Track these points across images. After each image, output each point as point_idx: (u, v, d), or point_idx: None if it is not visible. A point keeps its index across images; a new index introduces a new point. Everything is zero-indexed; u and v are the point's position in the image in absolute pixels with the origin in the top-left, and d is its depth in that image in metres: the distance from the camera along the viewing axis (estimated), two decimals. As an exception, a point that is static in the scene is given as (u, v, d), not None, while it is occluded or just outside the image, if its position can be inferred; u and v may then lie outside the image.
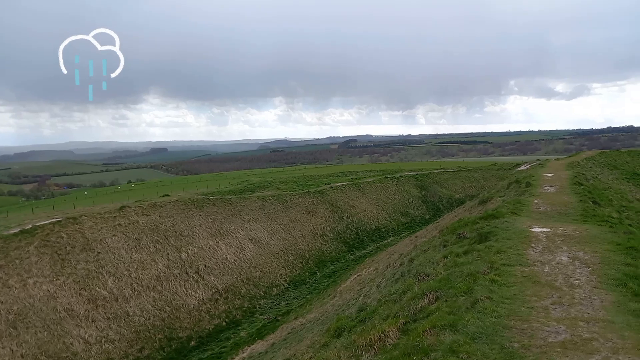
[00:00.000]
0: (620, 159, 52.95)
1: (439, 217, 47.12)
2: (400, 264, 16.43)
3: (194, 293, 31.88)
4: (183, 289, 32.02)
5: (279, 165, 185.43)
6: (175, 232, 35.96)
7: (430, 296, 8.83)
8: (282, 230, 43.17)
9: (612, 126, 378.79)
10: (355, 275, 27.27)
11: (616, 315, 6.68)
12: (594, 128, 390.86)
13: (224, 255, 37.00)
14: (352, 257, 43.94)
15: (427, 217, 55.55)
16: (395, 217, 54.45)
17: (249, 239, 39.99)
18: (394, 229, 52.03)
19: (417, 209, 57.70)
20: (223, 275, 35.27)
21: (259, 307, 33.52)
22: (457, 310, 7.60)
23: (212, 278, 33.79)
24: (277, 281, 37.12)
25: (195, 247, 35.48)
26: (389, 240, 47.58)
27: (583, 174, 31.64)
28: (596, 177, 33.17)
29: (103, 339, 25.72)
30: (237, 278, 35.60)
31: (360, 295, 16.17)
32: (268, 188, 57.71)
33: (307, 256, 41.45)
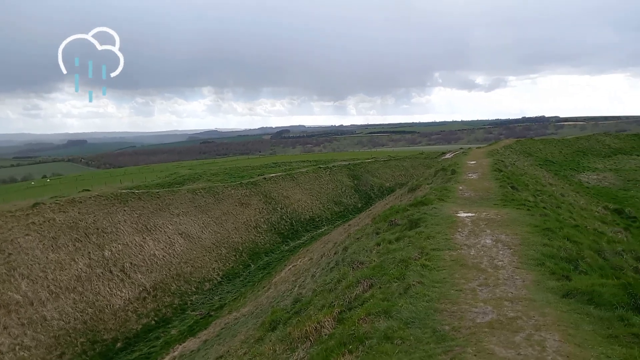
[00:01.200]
0: (534, 146, 57.18)
1: (371, 205, 48.29)
2: (335, 253, 16.51)
3: (119, 292, 30.15)
4: (107, 288, 30.17)
5: (209, 157, 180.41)
6: (97, 229, 33.73)
7: (365, 284, 8.86)
8: (214, 224, 42.03)
9: (526, 116, 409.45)
10: (290, 266, 27.18)
11: (537, 293, 7.05)
12: (510, 118, 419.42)
13: (152, 252, 35.34)
14: (286, 247, 43.80)
15: (360, 205, 56.69)
16: (329, 206, 55.00)
17: (179, 234, 38.50)
18: (328, 218, 52.56)
19: (350, 197, 58.69)
20: (151, 272, 33.69)
21: (191, 304, 32.44)
22: (390, 297, 7.68)
23: (139, 276, 32.15)
24: (209, 276, 36.12)
25: (119, 244, 33.52)
26: (323, 230, 47.99)
27: (502, 161, 33.69)
28: (514, 164, 35.48)
29: (17, 347, 23.59)
30: (166, 274, 34.17)
31: (295, 286, 16.06)
32: (198, 180, 55.90)
33: (241, 249, 40.72)
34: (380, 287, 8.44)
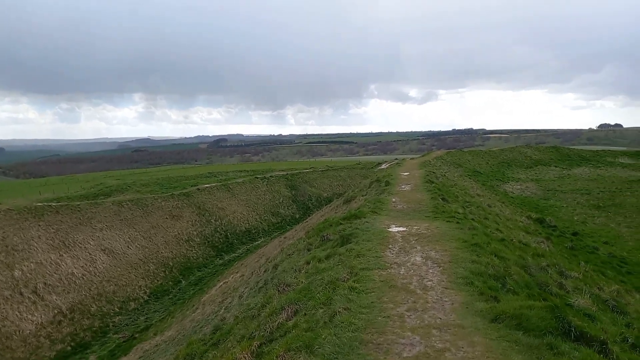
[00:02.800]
0: (463, 158, 59.59)
1: (309, 216, 47.84)
2: (265, 271, 15.70)
3: (30, 317, 27.31)
4: (16, 312, 27.24)
5: (141, 166, 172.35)
6: (6, 246, 30.51)
7: (289, 310, 8.18)
8: (142, 238, 39.58)
9: (456, 128, 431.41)
10: (222, 283, 25.91)
11: (465, 317, 6.71)
12: (441, 130, 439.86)
13: (70, 270, 32.51)
14: (221, 261, 42.19)
15: (297, 216, 56.10)
16: (266, 217, 53.90)
17: (102, 250, 35.79)
18: (265, 229, 51.45)
19: (287, 208, 57.93)
20: (68, 292, 30.93)
21: (113, 325, 30.09)
22: (315, 326, 7.06)
23: (54, 297, 29.35)
24: (135, 294, 33.78)
25: (32, 262, 30.49)
26: (259, 242, 46.84)
27: (434, 172, 34.52)
28: (444, 175, 36.50)
29: None
30: (86, 295, 31.52)
31: (221, 308, 15.03)
32: (127, 191, 52.79)
33: (171, 264, 38.60)
34: (305, 314, 7.80)
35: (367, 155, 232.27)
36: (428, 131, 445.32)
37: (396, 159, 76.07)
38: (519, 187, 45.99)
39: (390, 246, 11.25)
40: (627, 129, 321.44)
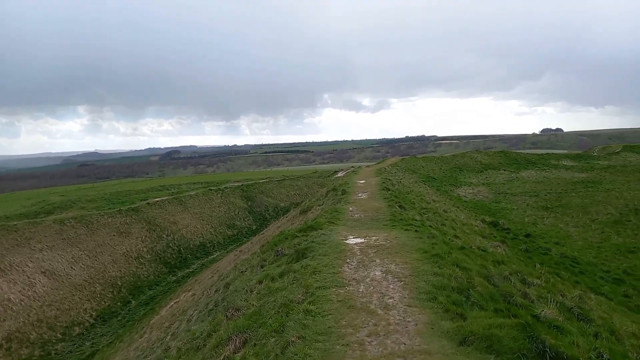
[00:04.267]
0: (417, 164, 60.39)
1: (265, 227, 46.68)
2: (216, 290, 14.64)
3: (-43, 352, 24.70)
4: (-60, 348, 24.57)
5: (89, 181, 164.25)
6: None
7: (237, 340, 7.32)
8: (87, 257, 37.11)
9: (409, 135, 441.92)
10: (173, 303, 24.40)
11: (431, 341, 6.10)
12: (395, 137, 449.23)
13: (6, 296, 29.85)
14: (174, 278, 40.22)
15: (254, 227, 54.75)
16: (221, 230, 52.21)
17: (42, 272, 33.17)
18: (220, 242, 49.77)
19: (243, 220, 56.45)
20: (4, 320, 28.35)
21: (56, 354, 27.78)
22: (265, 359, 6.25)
23: (-14, 328, 26.76)
24: (80, 318, 31.44)
25: (-41, 291, 27.73)
26: (215, 256, 45.16)
27: (389, 179, 34.44)
28: (400, 181, 36.54)
29: None
30: (24, 321, 28.99)
31: (167, 335, 13.82)
32: (70, 208, 49.69)
33: (120, 284, 36.35)
34: (255, 345, 6.96)
35: (323, 163, 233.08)
36: (382, 139, 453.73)
37: (352, 166, 76.27)
38: (471, 191, 46.91)
39: (348, 260, 10.58)
40: (567, 133, 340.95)
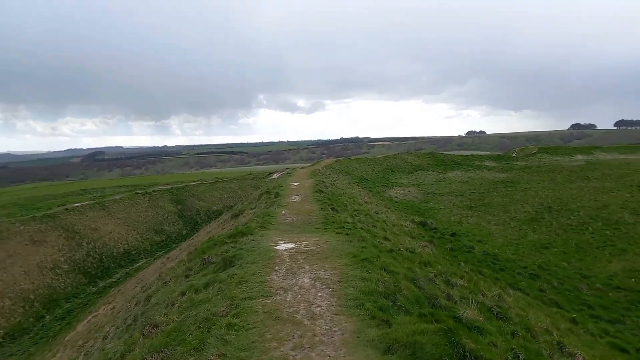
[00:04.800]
0: (351, 165, 61.35)
1: (196, 232, 45.13)
2: (136, 304, 13.75)
3: None
4: None
5: (0, 185, 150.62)
6: None
7: (153, 361, 6.76)
8: (-5, 270, 33.73)
9: (344, 137, 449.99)
10: (91, 317, 22.75)
11: (356, 351, 5.97)
12: (330, 139, 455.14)
13: None
14: (94, 289, 37.65)
15: (185, 232, 52.77)
16: (148, 236, 49.74)
17: (-61, 289, 29.69)
18: (147, 249, 47.38)
19: (173, 225, 54.21)
20: None
21: (-44, 380, 24.95)
22: (183, 382, 5.79)
23: None
24: (-15, 338, 28.48)
25: None
26: (141, 263, 42.87)
27: (323, 181, 34.56)
28: (334, 183, 36.80)
29: None
30: None
31: (80, 354, 12.75)
32: (-25, 216, 45.00)
33: (32, 297, 33.38)
34: (172, 366, 6.46)
35: (258, 165, 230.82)
36: (318, 140, 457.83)
37: (287, 168, 75.99)
38: (402, 191, 48.36)
39: (276, 268, 10.29)
40: (490, 135, 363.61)
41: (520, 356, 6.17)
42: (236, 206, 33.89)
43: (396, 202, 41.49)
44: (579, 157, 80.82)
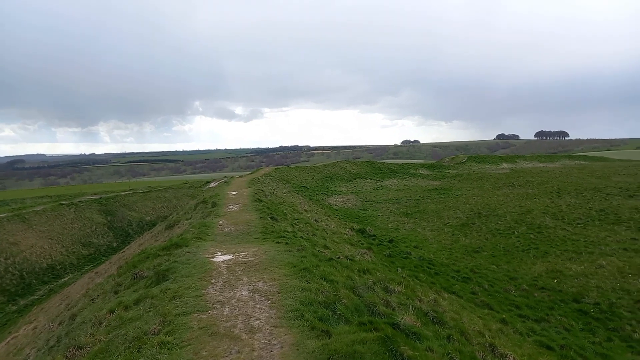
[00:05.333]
0: (290, 174, 61.28)
1: (128, 244, 42.94)
2: (60, 323, 12.73)
3: None
4: None
5: None
6: None
7: (76, 388, 6.22)
8: None
9: (283, 145, 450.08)
10: (10, 338, 20.79)
11: (296, 364, 5.84)
12: (269, 147, 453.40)
13: None
14: (14, 307, 34.57)
15: (115, 244, 50.00)
16: (74, 249, 46.57)
17: None
18: (74, 264, 44.32)
19: (102, 237, 51.18)
20: None
21: None
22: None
23: None
24: None
25: None
26: (66, 279, 40.00)
27: (262, 190, 34.17)
28: (273, 192, 36.50)
29: None
30: None
31: (-7, 384, 11.58)
32: None
33: (-62, 322, 30.06)
34: (96, 392, 5.98)
35: (195, 173, 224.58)
36: (256, 148, 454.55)
37: (225, 177, 74.51)
38: (341, 199, 48.96)
39: (213, 281, 9.92)
40: (423, 144, 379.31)
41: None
42: (171, 216, 32.66)
43: (336, 210, 41.89)
44: (505, 165, 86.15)
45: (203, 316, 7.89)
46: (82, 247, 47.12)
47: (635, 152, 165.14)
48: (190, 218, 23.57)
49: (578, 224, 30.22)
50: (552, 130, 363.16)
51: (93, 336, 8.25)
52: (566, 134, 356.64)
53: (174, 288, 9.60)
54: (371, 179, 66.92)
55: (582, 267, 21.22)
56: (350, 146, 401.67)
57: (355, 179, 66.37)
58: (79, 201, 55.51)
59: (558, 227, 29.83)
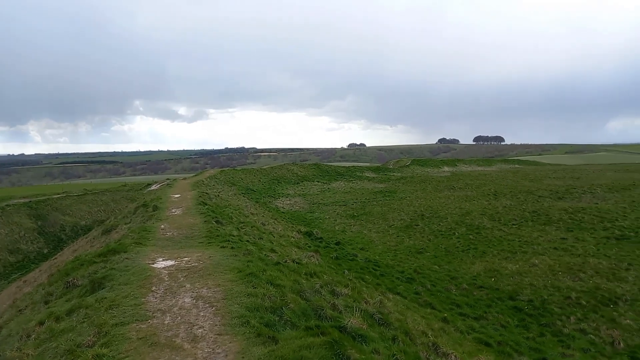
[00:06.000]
0: (237, 176, 60.32)
1: (61, 250, 40.41)
2: (-18, 338, 11.64)
3: None
4: None
5: None
6: None
7: (-3, 410, 5.69)
8: None
9: (229, 147, 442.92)
10: None
11: (242, 373, 5.67)
12: (214, 148, 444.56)
13: None
14: None
15: (46, 251, 46.89)
16: (0, 257, 43.22)
17: None
18: (0, 272, 41.12)
19: (31, 243, 47.83)
20: None
21: None
22: None
23: None
24: None
25: None
26: (-10, 289, 37.01)
27: (207, 193, 33.34)
28: (218, 195, 35.73)
29: None
30: None
31: None
32: None
33: None
34: (21, 413, 5.50)
35: (135, 175, 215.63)
36: (201, 149, 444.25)
37: (168, 179, 72.11)
38: (288, 202, 48.81)
39: (154, 288, 9.48)
40: (369, 147, 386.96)
41: (402, 361, 6.40)
42: (108, 221, 31.09)
43: (283, 212, 41.68)
44: (446, 168, 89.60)
45: (142, 326, 7.51)
46: (9, 254, 43.82)
47: (564, 157, 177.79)
48: (130, 222, 22.55)
49: (513, 224, 31.90)
50: (489, 136, 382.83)
51: (21, 350, 7.61)
52: (502, 139, 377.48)
53: (110, 297, 9.09)
54: (318, 182, 67.25)
55: (517, 265, 22.39)
56: (297, 149, 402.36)
57: (302, 182, 66.42)
58: (7, 205, 51.64)
59: (495, 227, 31.35)
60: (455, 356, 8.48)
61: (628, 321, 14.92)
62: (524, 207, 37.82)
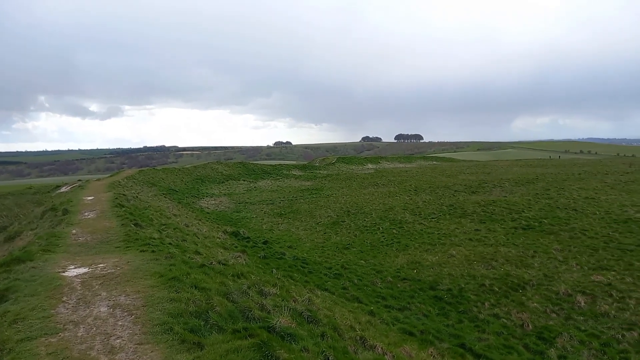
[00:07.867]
0: (157, 176, 57.64)
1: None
2: None
3: None
4: None
5: None
6: None
7: None
8: None
9: (147, 145, 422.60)
10: None
11: (165, 384, 5.37)
12: (132, 147, 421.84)
13: None
14: None
15: (-64, 263, 41.70)
16: None
17: None
18: None
19: None
20: None
21: None
22: None
23: None
24: None
25: None
26: None
27: (124, 194, 31.53)
28: (137, 196, 33.92)
29: None
30: None
31: None
32: None
33: None
34: None
35: (42, 177, 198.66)
36: (117, 148, 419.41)
37: (80, 180, 67.24)
38: (213, 202, 47.55)
39: (65, 298, 8.74)
40: (295, 145, 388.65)
41: (330, 357, 6.44)
42: (11, 227, 28.27)
43: (208, 213, 40.52)
44: (370, 166, 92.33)
45: (52, 340, 6.89)
46: None
47: (476, 154, 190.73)
48: (36, 228, 20.69)
49: (432, 218, 33.59)
50: (409, 134, 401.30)
51: None
52: (421, 137, 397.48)
53: (15, 310, 8.24)
54: (244, 180, 66.28)
55: (437, 257, 23.60)
56: (221, 147, 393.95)
57: (227, 181, 65.08)
58: None
59: (416, 221, 32.82)
60: (381, 348, 8.73)
61: (535, 304, 16.29)
62: (441, 201, 39.96)
